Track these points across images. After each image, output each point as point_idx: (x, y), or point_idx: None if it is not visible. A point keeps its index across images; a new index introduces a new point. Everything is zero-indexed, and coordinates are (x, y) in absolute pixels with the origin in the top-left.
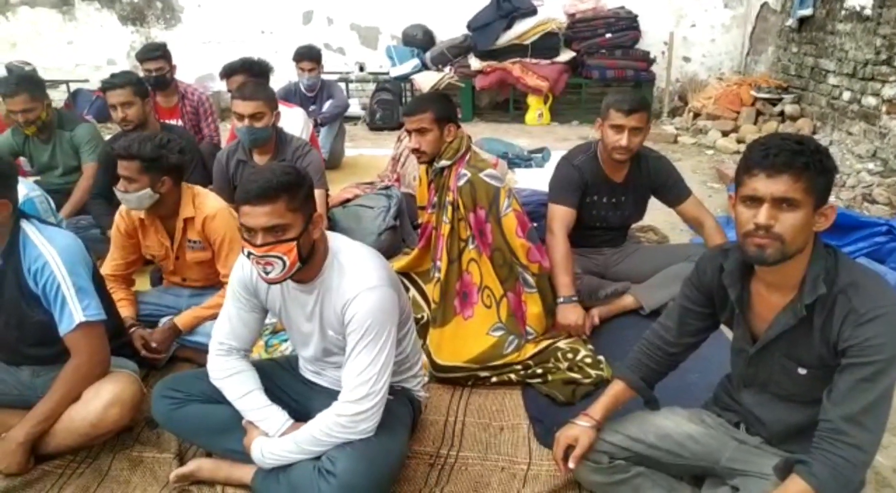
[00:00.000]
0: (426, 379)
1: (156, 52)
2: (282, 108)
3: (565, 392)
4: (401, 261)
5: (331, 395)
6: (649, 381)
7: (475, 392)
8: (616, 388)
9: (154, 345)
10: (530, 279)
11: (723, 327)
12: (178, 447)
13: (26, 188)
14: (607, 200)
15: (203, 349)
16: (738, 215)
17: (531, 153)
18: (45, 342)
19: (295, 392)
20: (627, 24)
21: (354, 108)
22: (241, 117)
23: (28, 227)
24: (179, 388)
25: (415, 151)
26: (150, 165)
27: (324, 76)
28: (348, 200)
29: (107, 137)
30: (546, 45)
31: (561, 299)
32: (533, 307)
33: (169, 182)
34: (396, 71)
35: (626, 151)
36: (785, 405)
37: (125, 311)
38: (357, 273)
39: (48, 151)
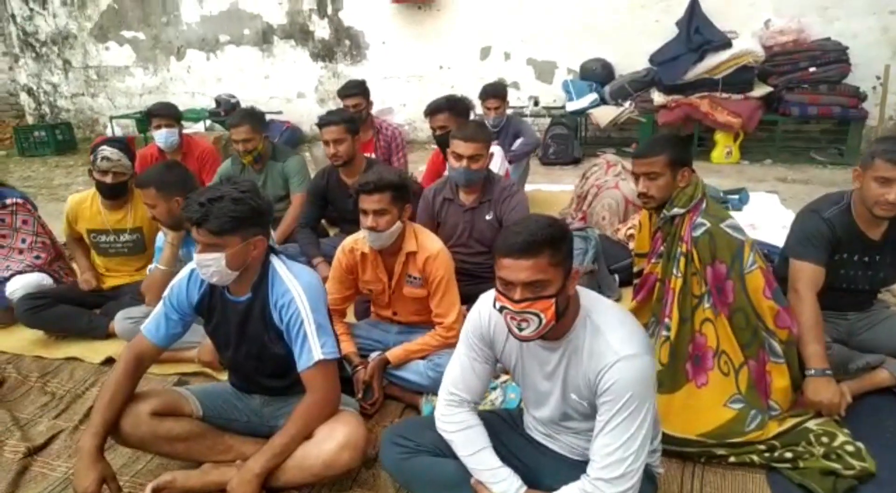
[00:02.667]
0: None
1: (354, 89)
2: None
3: (825, 485)
4: None
5: (563, 462)
6: None
7: (710, 470)
8: None
9: (367, 379)
10: (777, 347)
11: None
12: (395, 491)
13: None
14: (859, 258)
15: (409, 388)
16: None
17: (727, 194)
18: (279, 375)
19: (523, 453)
20: (835, 57)
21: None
22: (459, 158)
23: (277, 262)
24: (410, 437)
25: (642, 195)
26: (398, 194)
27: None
28: None
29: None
30: (739, 80)
31: (812, 372)
32: (779, 380)
33: (409, 211)
34: (573, 105)
35: (894, 207)
36: None
37: (347, 346)
38: (616, 337)
39: (260, 181)
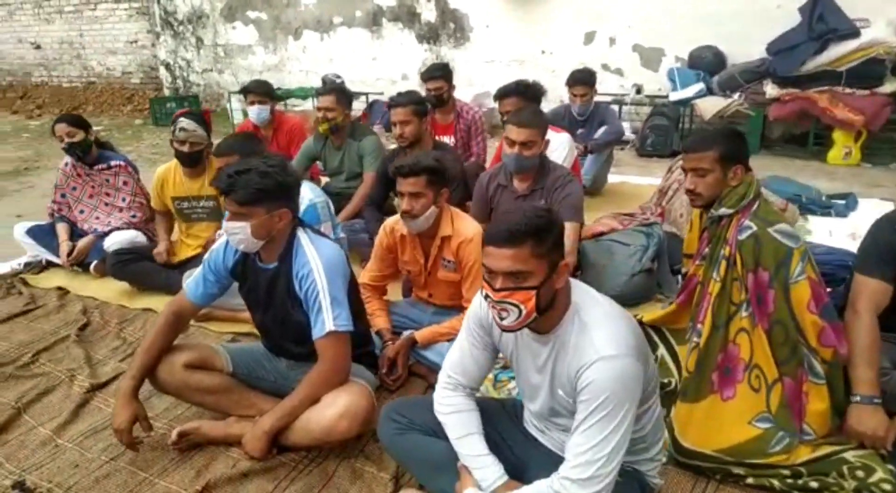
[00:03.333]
0: (663, 460)
1: (438, 72)
2: (549, 133)
3: None
4: (653, 312)
5: (552, 458)
6: None
7: (724, 489)
8: None
9: (392, 356)
10: (819, 367)
11: None
12: (396, 469)
13: (312, 193)
14: None
15: (435, 369)
16: None
17: (831, 199)
18: (300, 341)
19: (515, 443)
20: None
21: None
22: (511, 143)
23: (303, 235)
24: (405, 414)
25: (689, 192)
26: (434, 178)
27: (598, 98)
28: (602, 233)
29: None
30: (866, 73)
31: (857, 398)
32: (817, 402)
33: (447, 195)
34: (677, 95)
35: None
36: None
37: (381, 322)
38: (599, 336)
39: (338, 158)
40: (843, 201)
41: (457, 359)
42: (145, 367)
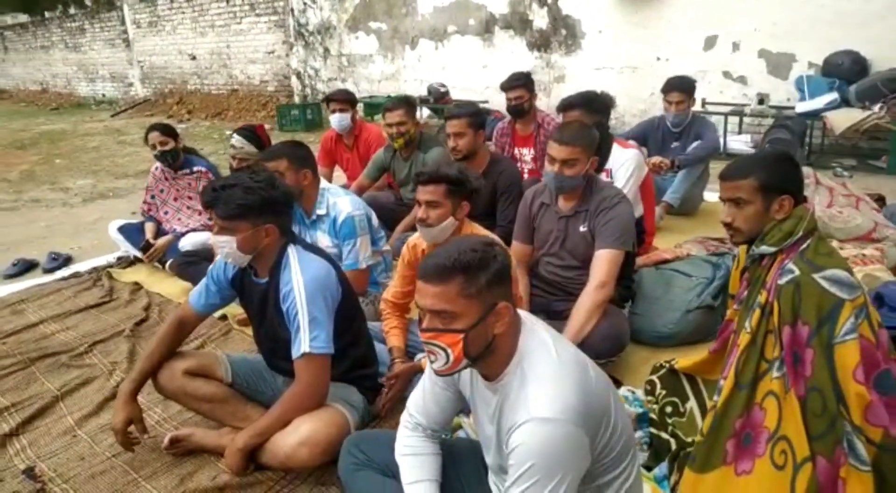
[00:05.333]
0: None
1: (518, 81)
2: (615, 148)
3: None
4: (688, 359)
5: None
6: None
7: None
8: None
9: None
10: (862, 450)
11: None
12: None
13: (350, 206)
14: None
15: None
16: None
17: None
18: (289, 358)
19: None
20: None
21: (739, 145)
22: (552, 161)
23: (292, 251)
24: (365, 449)
25: (726, 226)
26: (455, 188)
27: (717, 108)
28: (666, 261)
29: None
30: None
31: None
32: (857, 491)
33: (467, 208)
34: (804, 106)
35: None
36: None
37: (395, 340)
38: (537, 394)
39: (406, 169)
40: None
41: (419, 398)
42: (145, 372)
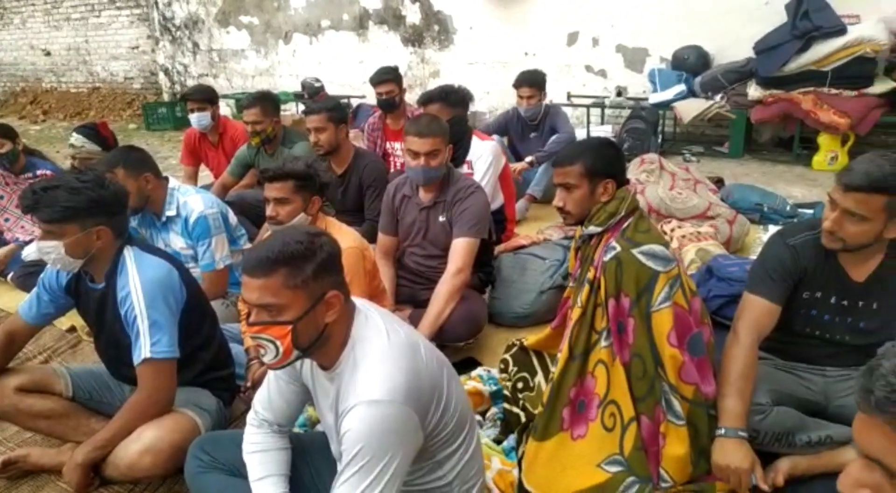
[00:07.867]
0: None
1: (387, 76)
2: (474, 140)
3: None
4: (535, 336)
5: None
6: None
7: None
8: None
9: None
10: (678, 406)
11: None
12: None
13: (203, 204)
14: (836, 301)
15: None
16: None
17: (798, 207)
18: (133, 365)
19: (324, 487)
20: None
21: (601, 135)
22: (415, 155)
23: (128, 253)
24: (210, 451)
25: (559, 209)
26: (303, 184)
27: (581, 100)
28: (523, 246)
29: None
30: (854, 73)
31: (722, 431)
32: (675, 446)
33: (318, 203)
34: (656, 97)
35: (832, 238)
36: None
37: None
38: (365, 377)
39: (272, 164)
40: (810, 210)
41: (264, 394)
42: None
